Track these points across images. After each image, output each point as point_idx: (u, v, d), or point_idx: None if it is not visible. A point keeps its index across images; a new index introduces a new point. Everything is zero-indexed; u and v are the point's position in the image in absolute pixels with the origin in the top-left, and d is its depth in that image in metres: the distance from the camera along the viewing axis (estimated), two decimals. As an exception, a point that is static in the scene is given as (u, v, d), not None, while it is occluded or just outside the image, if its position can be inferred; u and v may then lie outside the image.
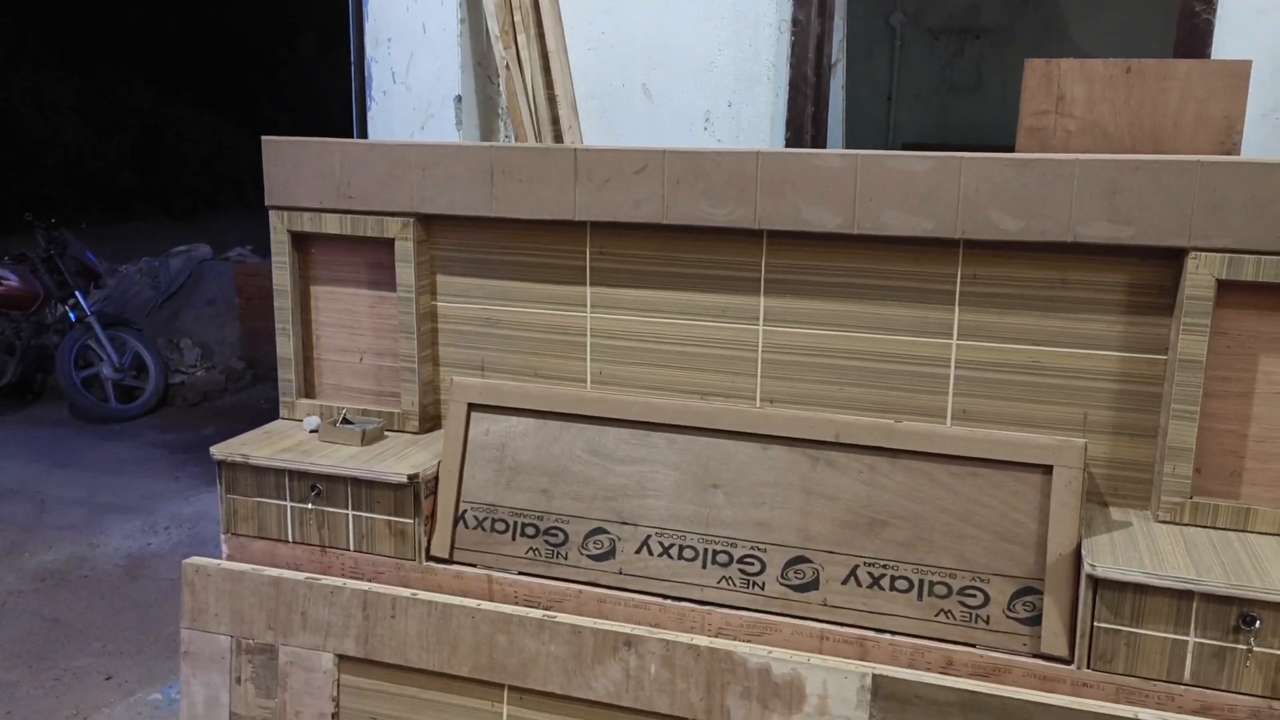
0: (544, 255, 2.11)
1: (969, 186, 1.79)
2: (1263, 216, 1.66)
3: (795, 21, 2.49)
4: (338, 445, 2.12)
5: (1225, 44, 2.07)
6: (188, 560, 2.10)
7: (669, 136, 2.57)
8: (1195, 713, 1.63)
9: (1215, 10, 2.06)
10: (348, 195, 2.15)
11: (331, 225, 2.18)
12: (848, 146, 2.81)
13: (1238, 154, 1.85)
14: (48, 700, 3.24)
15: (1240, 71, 1.74)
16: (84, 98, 14.66)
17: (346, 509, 2.05)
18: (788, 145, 2.54)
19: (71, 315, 6.29)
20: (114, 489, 5.22)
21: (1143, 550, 1.68)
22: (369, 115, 2.76)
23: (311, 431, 2.19)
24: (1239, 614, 1.59)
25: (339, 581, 2.01)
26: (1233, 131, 1.74)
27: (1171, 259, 1.74)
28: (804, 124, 2.49)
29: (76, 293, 6.32)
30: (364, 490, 2.03)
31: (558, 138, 2.56)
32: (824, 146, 2.58)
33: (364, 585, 1.99)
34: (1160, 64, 1.77)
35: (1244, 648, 1.59)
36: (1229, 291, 1.72)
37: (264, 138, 2.19)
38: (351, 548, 2.07)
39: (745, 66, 2.52)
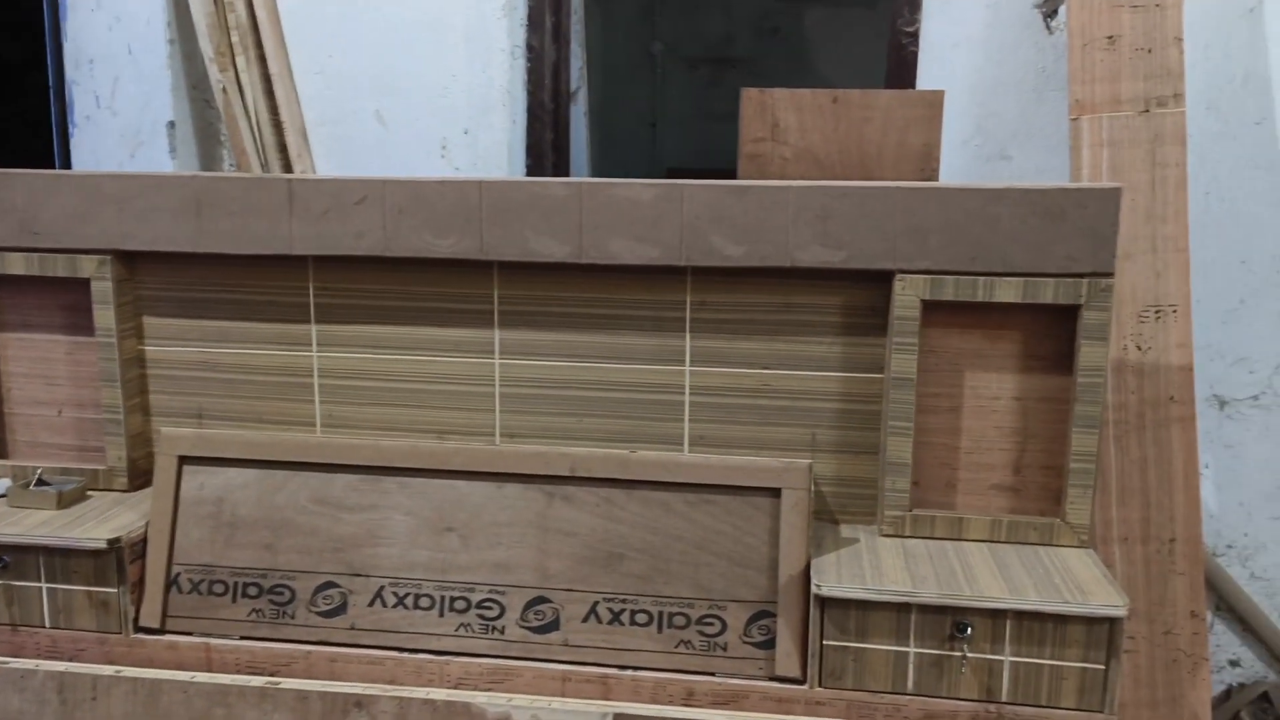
0: (263, 292, 1.97)
1: (691, 213, 1.79)
2: (959, 239, 1.74)
3: (530, 47, 2.46)
4: (29, 510, 1.90)
5: (929, 73, 2.19)
6: None
7: (405, 164, 2.48)
8: (920, 721, 1.67)
9: (919, 43, 2.18)
10: (34, 231, 1.94)
11: (17, 265, 1.96)
12: (596, 173, 2.82)
13: (936, 179, 1.94)
14: None
15: (934, 101, 1.83)
16: None
17: (39, 581, 1.84)
18: (528, 172, 2.50)
19: None
20: None
21: (866, 566, 1.72)
22: (71, 143, 2.53)
23: (0, 495, 1.95)
24: (952, 622, 1.65)
25: (31, 663, 1.79)
26: (930, 158, 1.83)
27: (882, 281, 1.80)
28: (544, 151, 2.46)
29: None
30: (59, 559, 1.83)
31: (286, 166, 2.42)
32: (566, 173, 2.56)
33: (60, 666, 1.79)
34: (863, 94, 1.84)
35: (959, 654, 1.65)
36: (934, 311, 1.80)
37: (-53, 169, 1.95)
38: (47, 624, 1.85)
39: (480, 93, 2.46)
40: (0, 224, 1.95)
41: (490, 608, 1.81)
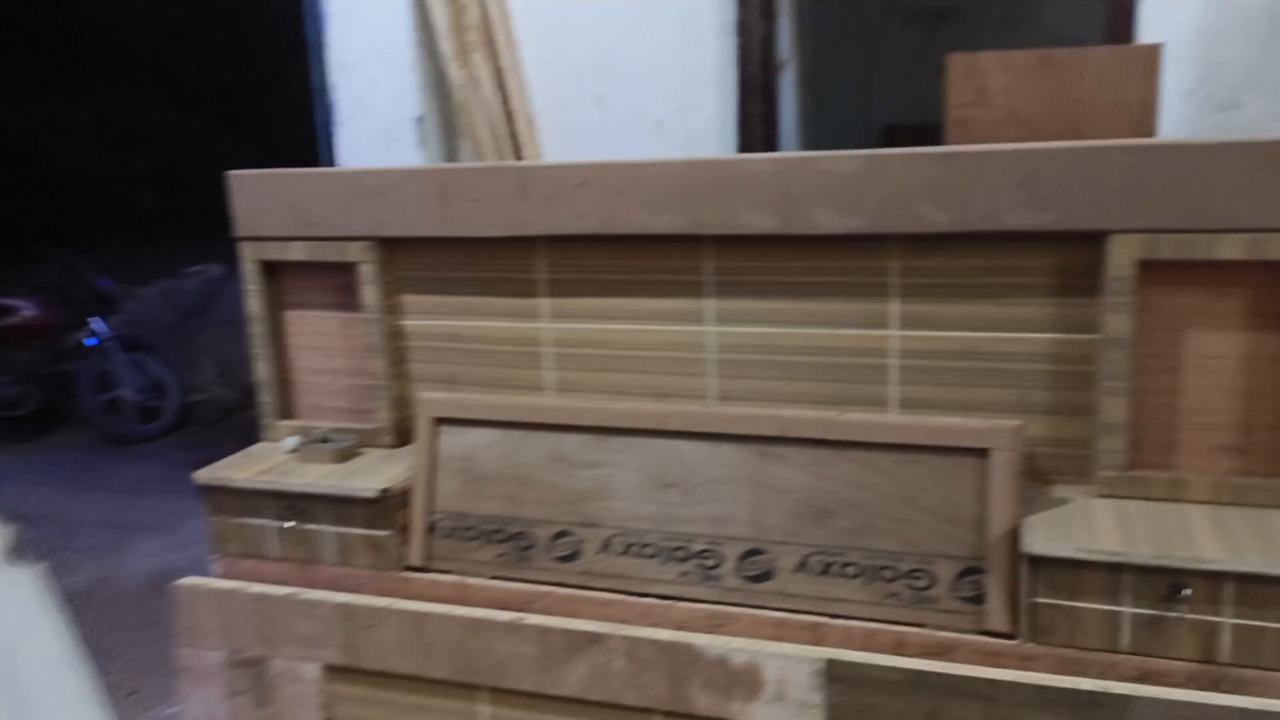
0: (499, 270, 2.18)
1: (896, 183, 1.84)
2: (1176, 196, 1.70)
3: (740, 24, 2.54)
4: (314, 464, 2.21)
5: (1149, 22, 2.10)
6: (178, 581, 2.20)
7: (623, 144, 2.64)
8: (1135, 680, 1.68)
9: (1138, -10, 2.10)
10: (309, 223, 2.23)
11: (296, 253, 2.27)
12: (806, 141, 2.86)
13: (1153, 136, 1.89)
14: (73, 719, 3.37)
15: (1150, 55, 1.78)
16: (101, 122, 14.92)
17: (324, 525, 2.14)
18: (739, 145, 2.59)
19: (90, 341, 6.45)
20: (139, 509, 5.38)
21: (1077, 526, 1.74)
22: (336, 141, 2.85)
23: (290, 452, 2.28)
24: (1169, 583, 1.64)
25: (320, 595, 2.10)
26: (1147, 114, 1.78)
27: (1094, 242, 1.79)
28: (754, 124, 2.54)
29: (94, 319, 6.48)
30: (340, 506, 2.12)
31: (516, 152, 2.63)
32: (776, 145, 2.63)
33: (344, 597, 2.08)
34: (1073, 52, 1.82)
35: (1176, 615, 1.65)
36: (1151, 270, 1.77)
37: (229, 173, 2.28)
38: (332, 562, 2.16)
39: (692, 72, 2.57)
40: (282, 217, 2.25)
41: (708, 557, 1.95)
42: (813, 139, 4.43)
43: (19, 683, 0.75)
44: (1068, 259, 1.83)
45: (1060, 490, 1.90)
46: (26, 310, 6.52)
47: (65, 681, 0.80)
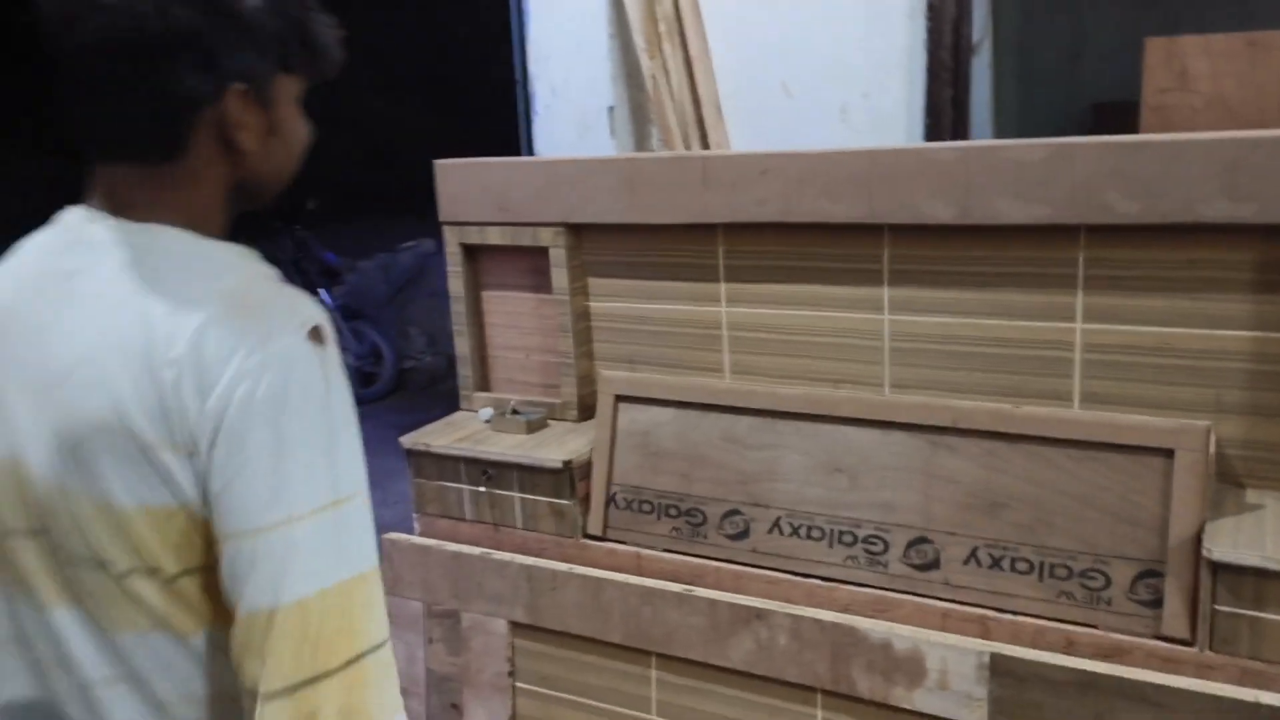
0: (681, 256, 2.26)
1: (1084, 171, 1.80)
2: (1399, 187, 1.58)
3: (930, 6, 2.50)
4: (506, 434, 2.37)
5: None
6: (385, 535, 2.42)
7: (807, 131, 2.65)
8: (1326, 700, 1.60)
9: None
10: (506, 209, 2.38)
11: (494, 237, 2.43)
12: (1004, 121, 2.78)
13: (1377, 121, 1.75)
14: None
15: (1375, 35, 1.65)
16: (325, 109, 16.04)
17: (514, 491, 2.30)
18: (927, 132, 2.55)
19: (317, 311, 7.01)
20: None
21: (1268, 534, 1.66)
22: (534, 129, 3.00)
23: (485, 421, 2.45)
24: (1369, 601, 1.55)
25: (508, 556, 2.26)
26: (1370, 99, 1.66)
27: (1302, 235, 1.69)
28: (943, 109, 2.50)
29: (320, 291, 7.04)
30: (528, 475, 2.27)
31: (703, 139, 2.70)
32: (966, 131, 2.58)
33: (529, 560, 2.23)
34: (1285, 33, 1.71)
35: (1376, 635, 1.55)
36: (1367, 266, 1.65)
37: (436, 162, 2.46)
38: (520, 526, 2.32)
39: (879, 56, 2.55)
40: (481, 203, 2.41)
41: (875, 543, 1.98)
42: (1012, 117, 4.26)
43: (285, 437, 0.94)
44: (1269, 253, 1.73)
45: (1253, 495, 1.81)
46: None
47: (331, 446, 0.97)
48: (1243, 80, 1.74)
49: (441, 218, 2.48)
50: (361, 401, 6.31)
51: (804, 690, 1.98)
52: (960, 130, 2.51)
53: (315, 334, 0.98)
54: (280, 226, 7.26)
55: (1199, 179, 1.71)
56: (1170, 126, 1.83)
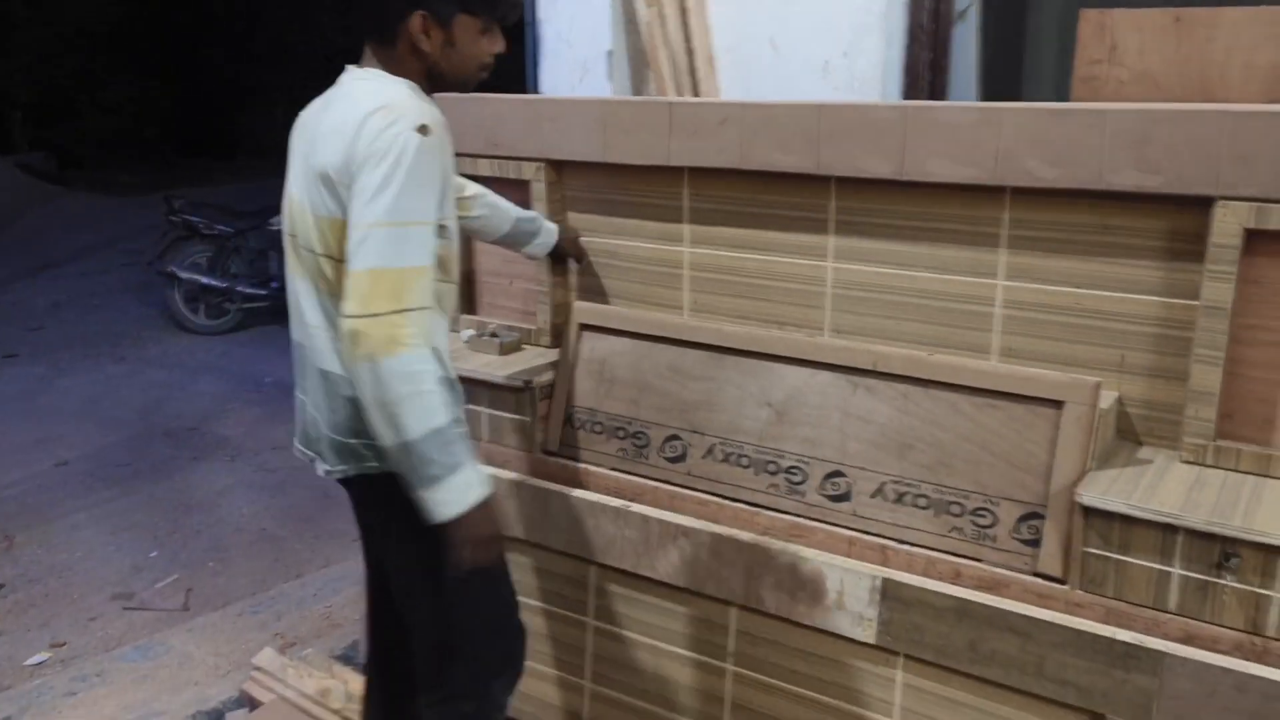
0: (650, 196, 2.40)
1: (1010, 136, 1.89)
2: (1291, 165, 1.66)
3: (912, -29, 2.58)
4: (482, 354, 2.56)
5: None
6: (367, 439, 2.62)
7: (792, 86, 2.74)
8: (1180, 640, 1.71)
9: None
10: (495, 143, 2.54)
11: (484, 168, 2.59)
12: (988, 87, 2.82)
13: (1287, 101, 1.81)
14: (306, 553, 4.01)
15: (1289, 17, 1.71)
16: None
17: (482, 407, 2.49)
18: (904, 93, 2.64)
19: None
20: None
21: (1143, 485, 1.77)
22: (540, 71, 3.14)
23: (465, 342, 2.63)
24: (1221, 550, 1.66)
25: (472, 464, 2.44)
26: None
27: (1203, 207, 1.77)
28: (920, 71, 2.58)
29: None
30: (494, 392, 2.46)
31: (695, 89, 2.81)
32: (944, 93, 2.65)
33: (487, 469, 2.42)
34: (1208, 12, 1.77)
35: (1224, 582, 1.66)
36: (1260, 240, 1.73)
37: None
38: (486, 439, 2.50)
39: (859, 17, 2.63)
40: (475, 137, 2.57)
41: (795, 474, 2.12)
42: (1006, 82, 4.22)
43: (382, 180, 1.63)
44: (1176, 223, 1.82)
45: (1147, 452, 1.92)
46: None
47: (411, 193, 1.65)
48: (1168, 56, 1.81)
49: (436, 148, 2.64)
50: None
51: (721, 603, 2.15)
52: (938, 93, 2.59)
53: (422, 129, 1.63)
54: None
55: (1111, 149, 1.80)
56: (1099, 97, 1.90)
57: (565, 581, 2.36)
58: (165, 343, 7.14)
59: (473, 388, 2.48)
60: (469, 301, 2.77)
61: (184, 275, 7.19)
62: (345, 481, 1.91)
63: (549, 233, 2.40)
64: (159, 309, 7.69)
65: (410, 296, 1.60)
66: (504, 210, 2.32)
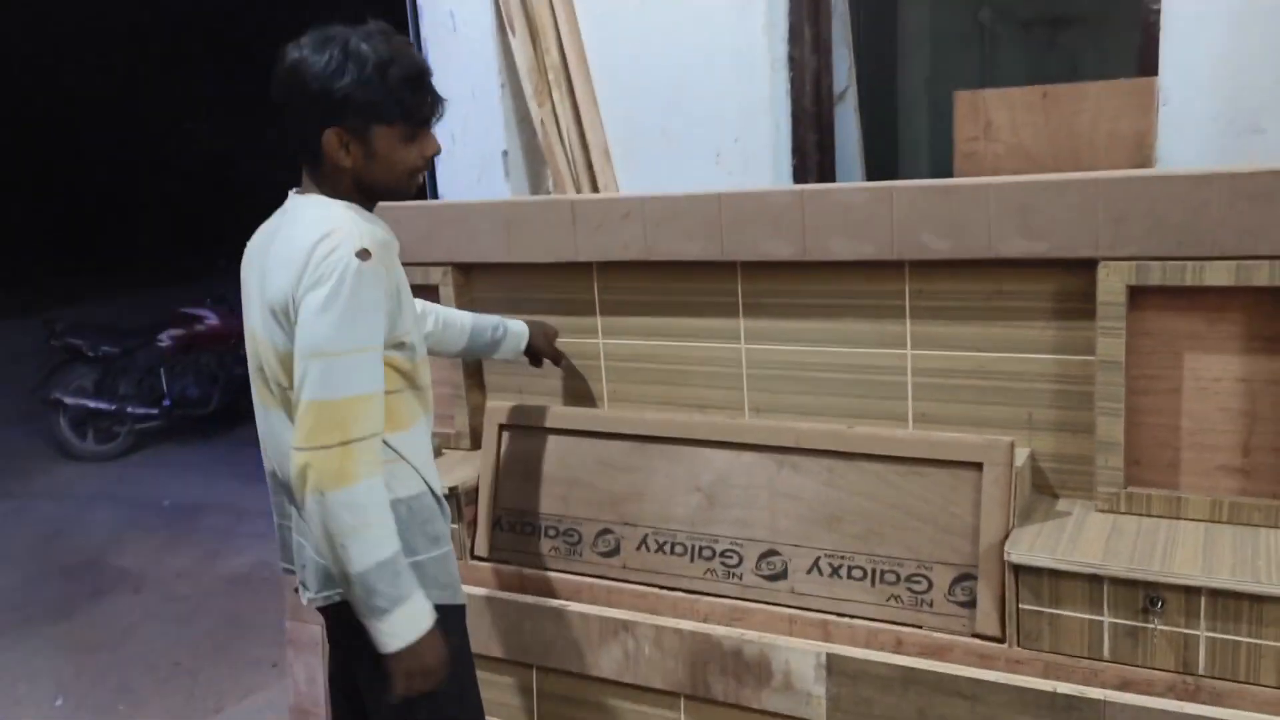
0: (560, 292, 2.43)
1: (902, 212, 1.98)
2: (1164, 225, 1.77)
3: (791, 59, 2.69)
4: (401, 463, 2.51)
5: (1172, 49, 2.11)
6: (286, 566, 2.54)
7: (686, 173, 2.83)
8: (1117, 687, 1.76)
9: (1160, 17, 2.12)
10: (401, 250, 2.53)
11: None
12: (870, 163, 2.96)
13: (1151, 165, 1.94)
14: (224, 684, 3.83)
15: (1145, 88, 1.85)
16: (258, 150, 16.17)
17: (406, 517, 2.44)
18: (794, 173, 2.74)
19: (264, 345, 7.10)
20: (297, 500, 5.91)
21: (1065, 538, 1.83)
22: (438, 173, 3.17)
23: (383, 452, 2.58)
24: (1145, 595, 1.72)
25: (400, 578, 2.39)
26: (1143, 145, 1.85)
27: (1090, 268, 1.87)
28: (808, 151, 2.69)
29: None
30: (417, 501, 2.41)
31: (593, 183, 2.87)
32: (832, 172, 2.77)
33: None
34: (1072, 87, 1.90)
35: (1153, 626, 1.72)
36: (1145, 295, 1.84)
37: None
38: (412, 549, 2.45)
39: (747, 104, 2.74)
40: (378, 246, 2.56)
41: (730, 557, 2.13)
42: (931, 151, 4.44)
43: (324, 308, 1.59)
44: (1065, 285, 1.92)
45: (1064, 504, 1.99)
46: (211, 319, 7.23)
47: (350, 320, 1.61)
48: (1039, 129, 1.93)
49: (340, 260, 2.62)
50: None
51: (668, 695, 2.13)
52: (827, 170, 2.70)
53: (362, 253, 1.60)
54: (227, 265, 7.37)
55: (997, 219, 1.90)
56: (979, 171, 2.01)
57: (507, 689, 2.31)
58: (53, 473, 6.81)
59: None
60: (383, 410, 2.72)
61: (70, 400, 6.90)
62: (325, 609, 1.84)
63: (516, 337, 2.28)
64: (44, 438, 7.35)
65: (356, 426, 1.58)
66: (457, 325, 2.22)
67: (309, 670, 2.52)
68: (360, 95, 1.64)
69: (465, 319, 2.24)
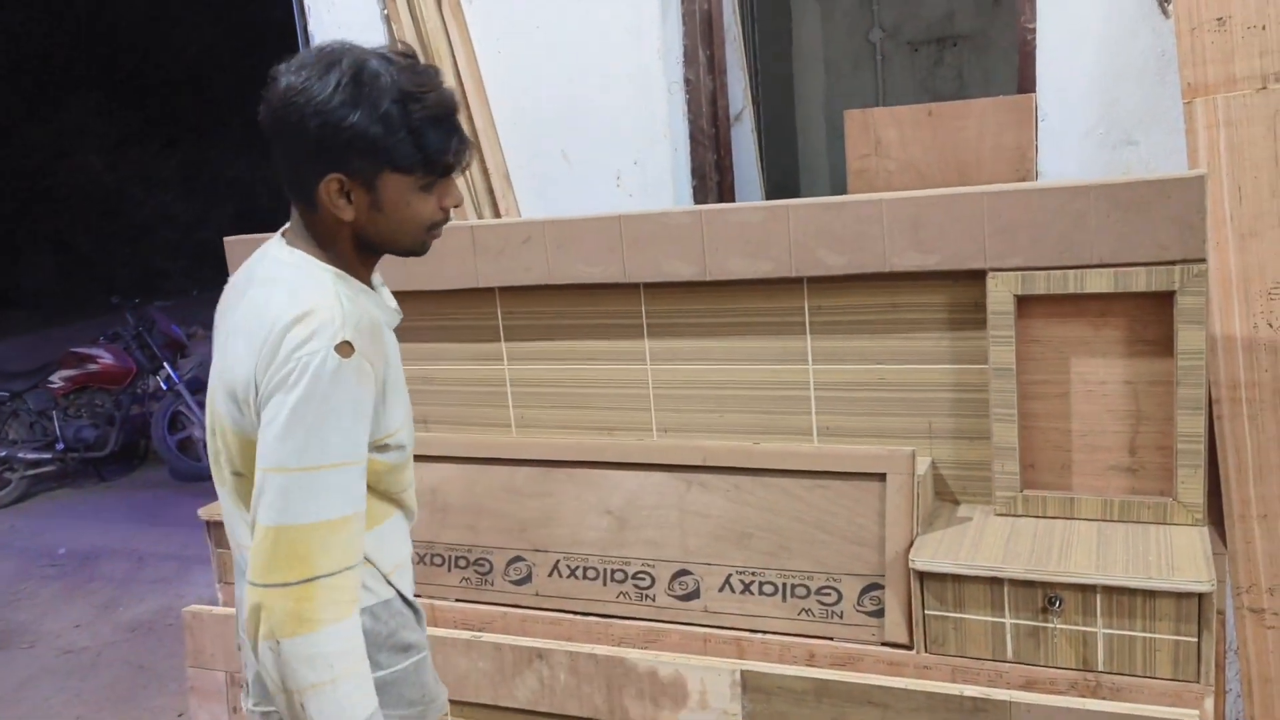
0: (463, 318, 2.40)
1: (798, 230, 2.01)
2: (1047, 236, 1.83)
3: (687, 81, 2.73)
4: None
5: (1049, 68, 2.21)
6: (186, 608, 2.46)
7: (587, 195, 2.84)
8: (1021, 687, 1.80)
9: (1035, 34, 2.21)
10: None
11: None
12: (771, 182, 3.02)
13: (1033, 178, 2.01)
14: (126, 737, 3.67)
15: (1024, 104, 1.91)
16: (187, 173, 15.75)
17: (311, 554, 2.37)
18: (694, 193, 2.77)
19: (163, 385, 6.88)
20: (202, 542, 5.73)
21: (967, 543, 1.87)
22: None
23: (285, 488, 2.52)
24: (1044, 595, 1.77)
25: (306, 617, 2.32)
26: (1024, 159, 1.92)
27: (979, 279, 1.92)
28: (707, 172, 2.72)
29: (165, 364, 6.91)
30: (322, 537, 2.35)
31: (494, 207, 2.85)
32: (731, 192, 2.81)
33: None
34: (956, 105, 1.96)
35: (1052, 626, 1.77)
36: (1032, 304, 1.90)
37: (226, 239, 2.55)
38: (318, 587, 2.38)
39: (645, 126, 2.76)
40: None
41: (643, 579, 2.13)
42: (830, 169, 4.54)
43: (292, 411, 1.29)
44: (958, 295, 1.97)
45: (965, 510, 2.03)
46: (105, 358, 6.97)
47: (322, 428, 1.30)
48: (926, 145, 1.99)
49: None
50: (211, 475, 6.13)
51: (585, 722, 2.10)
52: (726, 191, 2.73)
53: (342, 347, 1.31)
54: (120, 302, 7.13)
55: (890, 234, 1.94)
56: (872, 187, 2.06)
57: (421, 726, 2.25)
58: (-62, 525, 6.47)
59: (299, 536, 2.37)
60: (285, 445, 2.65)
61: (-46, 448, 6.58)
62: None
63: None
64: (-73, 489, 6.98)
65: (321, 560, 1.28)
66: None
67: (214, 718, 2.42)
68: (372, 136, 1.32)
69: None
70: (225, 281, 2.48)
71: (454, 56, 2.88)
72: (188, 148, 15.78)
